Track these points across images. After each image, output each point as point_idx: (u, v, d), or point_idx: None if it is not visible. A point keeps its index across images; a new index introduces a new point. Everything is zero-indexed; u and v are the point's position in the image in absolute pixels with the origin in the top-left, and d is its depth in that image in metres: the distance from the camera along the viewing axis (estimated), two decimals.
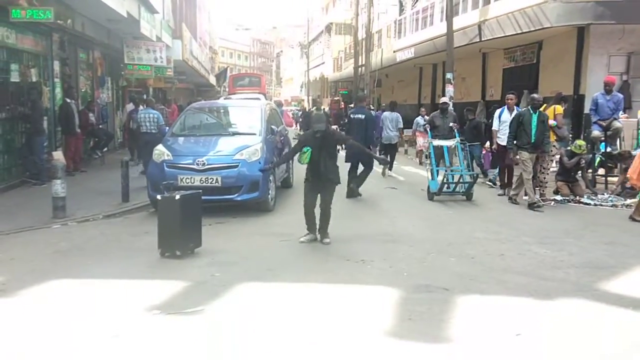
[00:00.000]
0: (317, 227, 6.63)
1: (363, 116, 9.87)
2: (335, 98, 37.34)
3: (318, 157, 6.45)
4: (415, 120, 15.26)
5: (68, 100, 12.06)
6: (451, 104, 15.68)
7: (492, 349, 3.73)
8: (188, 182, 7.70)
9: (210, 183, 7.77)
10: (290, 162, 10.69)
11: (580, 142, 9.95)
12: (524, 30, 14.27)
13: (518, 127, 8.71)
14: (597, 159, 10.76)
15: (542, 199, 9.21)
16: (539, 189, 9.37)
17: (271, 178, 8.48)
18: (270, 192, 8.37)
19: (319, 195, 6.60)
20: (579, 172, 9.91)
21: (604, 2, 12.62)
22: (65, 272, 5.37)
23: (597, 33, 13.56)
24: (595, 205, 9.06)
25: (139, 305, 4.42)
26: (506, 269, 5.56)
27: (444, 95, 16.12)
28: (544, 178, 9.38)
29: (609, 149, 10.52)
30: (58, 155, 8.21)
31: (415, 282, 5.06)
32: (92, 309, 4.40)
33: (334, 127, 14.37)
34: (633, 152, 9.89)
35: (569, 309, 4.43)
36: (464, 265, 5.70)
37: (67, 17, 11.39)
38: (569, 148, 9.93)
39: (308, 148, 6.43)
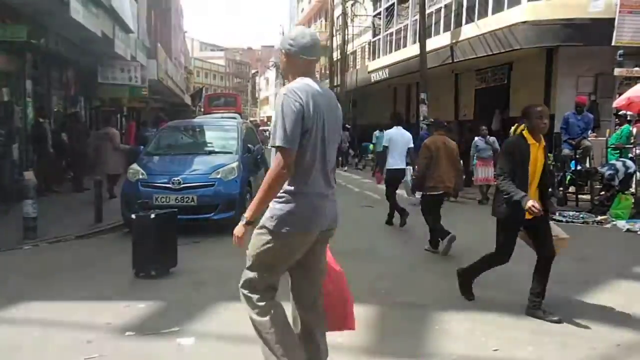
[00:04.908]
0: None
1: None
2: None
3: None
4: (473, 143, 11.93)
5: (41, 120, 11.88)
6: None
7: None
8: (163, 201, 7.62)
9: (186, 202, 7.71)
10: None
11: (549, 154, 10.31)
12: (495, 52, 14.63)
13: None
14: (568, 177, 11.00)
15: None
16: None
17: (248, 197, 8.45)
18: None
19: None
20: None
21: (571, 25, 13.02)
22: (36, 293, 5.23)
23: (565, 54, 13.97)
24: (567, 222, 9.22)
25: (113, 326, 4.33)
26: (481, 284, 5.59)
27: (419, 114, 16.32)
28: None
29: (578, 167, 10.77)
30: (29, 175, 8.06)
31: (393, 299, 5.07)
32: (63, 330, 4.29)
33: None
34: (600, 170, 10.15)
35: (545, 323, 4.48)
36: (441, 281, 5.73)
37: (40, 36, 11.27)
38: None
39: None
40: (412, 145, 8.90)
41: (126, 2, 14.29)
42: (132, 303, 4.90)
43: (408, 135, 8.94)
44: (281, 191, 2.79)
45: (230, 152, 8.69)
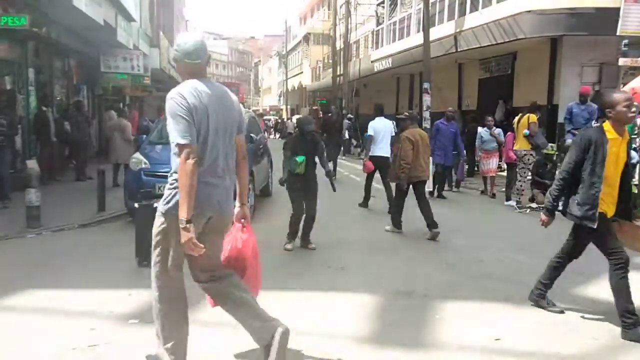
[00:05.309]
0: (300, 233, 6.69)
1: None
2: (314, 107, 37.49)
3: (307, 162, 6.50)
4: (478, 134, 11.64)
5: (44, 109, 11.88)
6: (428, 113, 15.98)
7: (472, 353, 3.75)
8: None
9: None
10: (270, 171, 10.70)
11: (552, 144, 10.29)
12: (499, 41, 14.54)
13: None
14: None
15: (518, 206, 9.39)
16: (516, 197, 9.57)
17: (250, 187, 8.45)
18: (249, 200, 8.33)
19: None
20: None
21: (576, 14, 12.93)
22: (39, 282, 5.26)
23: (569, 44, 13.89)
24: None
25: (116, 314, 4.36)
26: (485, 275, 5.62)
27: (422, 104, 16.22)
28: (521, 186, 9.55)
29: None
30: (32, 164, 8.07)
31: (395, 289, 5.08)
32: (67, 318, 4.31)
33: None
34: None
35: (547, 314, 4.49)
36: (443, 271, 5.74)
37: (42, 24, 11.24)
38: (543, 151, 10.02)
39: (302, 158, 6.46)
40: (394, 133, 9.45)
41: None
42: (135, 291, 4.92)
43: (390, 124, 9.64)
44: (172, 179, 3.10)
45: None
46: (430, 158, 10.16)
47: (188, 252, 3.00)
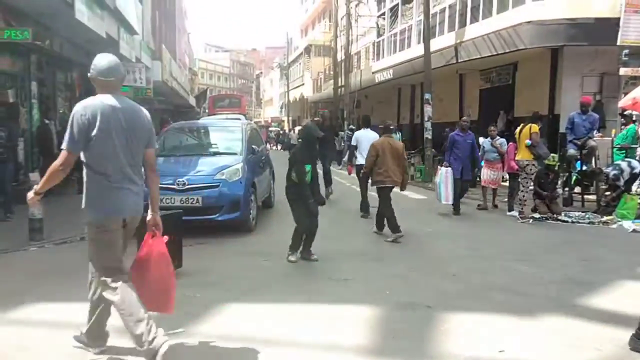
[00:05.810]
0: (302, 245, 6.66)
1: None
2: (316, 119, 37.54)
3: (313, 172, 6.51)
4: (481, 144, 11.17)
5: (46, 121, 11.93)
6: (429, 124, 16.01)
7: None
8: (168, 202, 7.60)
9: (191, 203, 7.71)
10: (272, 182, 10.71)
11: (554, 155, 10.29)
12: (500, 52, 14.59)
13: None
14: (574, 178, 10.96)
15: (521, 217, 9.38)
16: (519, 207, 9.55)
17: (252, 198, 8.46)
18: (251, 212, 8.34)
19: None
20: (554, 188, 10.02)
21: (576, 24, 12.98)
22: (42, 294, 5.25)
23: (570, 54, 13.93)
24: (573, 222, 9.20)
25: (118, 327, 4.32)
26: (488, 285, 5.60)
27: (424, 115, 16.25)
28: (523, 196, 9.53)
29: (584, 167, 10.72)
30: (35, 177, 8.08)
31: (398, 300, 5.06)
32: (69, 331, 4.30)
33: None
34: (605, 170, 10.11)
35: (551, 324, 4.47)
36: (446, 282, 5.72)
37: (45, 37, 11.32)
38: (545, 161, 9.99)
39: (309, 166, 6.45)
40: None
41: (131, 4, 14.34)
42: None
43: (374, 134, 10.24)
44: (85, 183, 3.59)
45: (235, 153, 8.69)
46: (449, 169, 10.10)
47: (28, 202, 3.71)
